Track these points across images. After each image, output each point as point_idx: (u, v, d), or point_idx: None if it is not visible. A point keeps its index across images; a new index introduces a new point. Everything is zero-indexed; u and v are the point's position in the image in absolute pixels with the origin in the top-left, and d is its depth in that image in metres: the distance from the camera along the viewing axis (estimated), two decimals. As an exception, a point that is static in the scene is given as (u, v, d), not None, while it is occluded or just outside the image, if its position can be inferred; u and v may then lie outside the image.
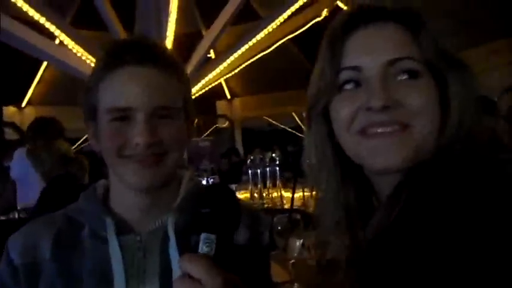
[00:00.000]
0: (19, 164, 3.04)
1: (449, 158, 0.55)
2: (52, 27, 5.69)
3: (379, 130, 0.59)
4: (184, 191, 0.86)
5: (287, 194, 3.89)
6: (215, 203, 0.59)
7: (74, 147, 6.77)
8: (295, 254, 1.66)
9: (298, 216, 1.72)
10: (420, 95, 0.58)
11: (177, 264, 0.76)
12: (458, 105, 0.58)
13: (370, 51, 0.60)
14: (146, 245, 0.80)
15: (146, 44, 0.80)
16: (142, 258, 0.80)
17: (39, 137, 2.90)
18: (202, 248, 0.57)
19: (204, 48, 6.73)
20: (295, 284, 1.62)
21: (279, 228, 1.65)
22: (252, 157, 4.25)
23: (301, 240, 1.68)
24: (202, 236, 0.57)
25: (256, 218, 0.89)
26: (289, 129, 9.35)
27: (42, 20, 5.52)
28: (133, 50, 0.78)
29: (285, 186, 3.87)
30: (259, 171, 3.88)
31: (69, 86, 7.29)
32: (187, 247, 0.60)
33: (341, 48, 0.62)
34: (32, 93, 8.94)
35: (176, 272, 0.78)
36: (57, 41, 6.39)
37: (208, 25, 7.39)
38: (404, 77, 0.59)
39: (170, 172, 0.82)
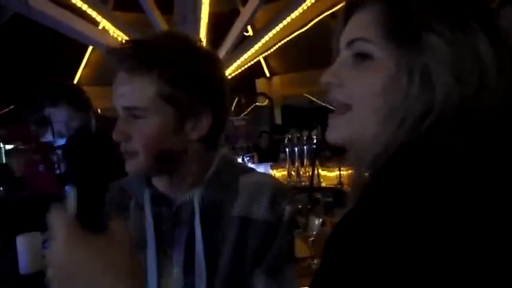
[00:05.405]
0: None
1: (422, 148, 0.51)
2: (93, 13, 5.93)
3: (330, 107, 0.62)
4: (215, 166, 0.91)
5: (325, 173, 3.89)
6: (72, 155, 0.62)
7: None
8: (314, 232, 1.72)
9: (318, 195, 1.77)
10: (361, 78, 0.57)
11: (200, 235, 0.86)
12: (419, 86, 0.53)
13: (344, 34, 0.61)
14: (177, 216, 0.89)
15: (127, 49, 0.87)
16: (172, 228, 0.89)
17: None
18: (69, 200, 0.55)
19: (241, 26, 6.73)
20: (315, 259, 1.68)
21: (299, 207, 1.68)
22: (289, 135, 4.26)
23: (320, 219, 1.73)
24: (67, 187, 0.59)
25: (278, 194, 0.90)
26: (331, 107, 9.16)
27: (84, 6, 5.76)
28: (117, 57, 0.87)
29: (323, 165, 3.84)
30: (296, 149, 3.85)
31: (114, 68, 7.53)
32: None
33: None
34: (80, 75, 9.35)
35: (199, 243, 0.87)
36: (100, 27, 6.63)
37: (245, 3, 7.37)
38: (354, 58, 0.58)
39: (152, 165, 0.86)
